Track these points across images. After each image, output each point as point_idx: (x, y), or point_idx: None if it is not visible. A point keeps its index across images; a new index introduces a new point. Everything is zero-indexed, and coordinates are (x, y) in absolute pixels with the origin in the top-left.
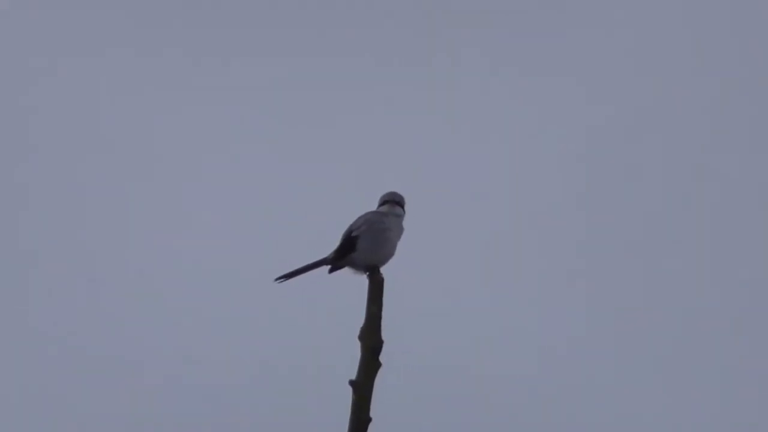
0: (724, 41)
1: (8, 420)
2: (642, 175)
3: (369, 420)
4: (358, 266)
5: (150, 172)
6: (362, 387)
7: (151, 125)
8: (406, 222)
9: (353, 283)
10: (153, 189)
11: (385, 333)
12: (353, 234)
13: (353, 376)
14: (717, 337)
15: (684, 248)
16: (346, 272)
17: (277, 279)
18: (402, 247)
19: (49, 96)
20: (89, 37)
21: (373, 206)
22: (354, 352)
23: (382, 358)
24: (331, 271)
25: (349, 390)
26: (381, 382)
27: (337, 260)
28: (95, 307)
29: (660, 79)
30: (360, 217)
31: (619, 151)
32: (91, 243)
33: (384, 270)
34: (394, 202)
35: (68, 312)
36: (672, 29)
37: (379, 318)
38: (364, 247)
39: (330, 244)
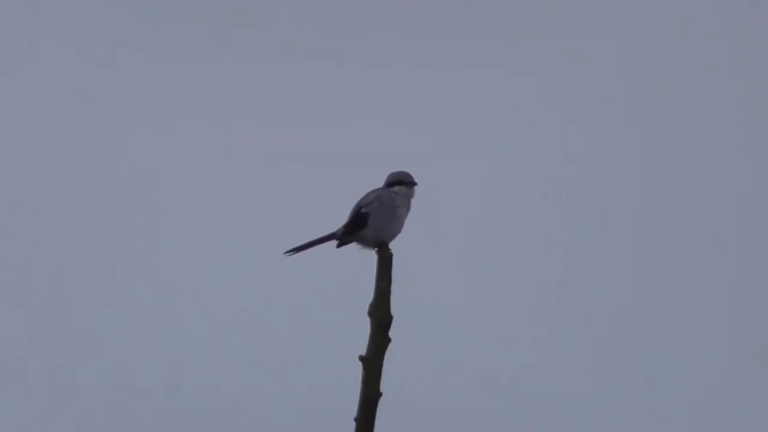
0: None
1: (8, 420)
2: (634, 179)
3: (379, 395)
4: (366, 242)
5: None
6: (372, 362)
7: (150, 127)
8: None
9: (362, 258)
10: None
11: (394, 308)
12: (363, 210)
13: (363, 351)
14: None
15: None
16: (353, 247)
17: (286, 252)
18: (409, 222)
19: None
20: (94, 36)
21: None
22: (364, 327)
23: (391, 333)
24: (339, 245)
25: (360, 365)
26: (390, 357)
27: (346, 236)
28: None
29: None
30: (369, 194)
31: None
32: (112, 242)
33: (392, 245)
34: (409, 182)
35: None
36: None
37: (389, 293)
38: (374, 224)
39: (332, 223)
